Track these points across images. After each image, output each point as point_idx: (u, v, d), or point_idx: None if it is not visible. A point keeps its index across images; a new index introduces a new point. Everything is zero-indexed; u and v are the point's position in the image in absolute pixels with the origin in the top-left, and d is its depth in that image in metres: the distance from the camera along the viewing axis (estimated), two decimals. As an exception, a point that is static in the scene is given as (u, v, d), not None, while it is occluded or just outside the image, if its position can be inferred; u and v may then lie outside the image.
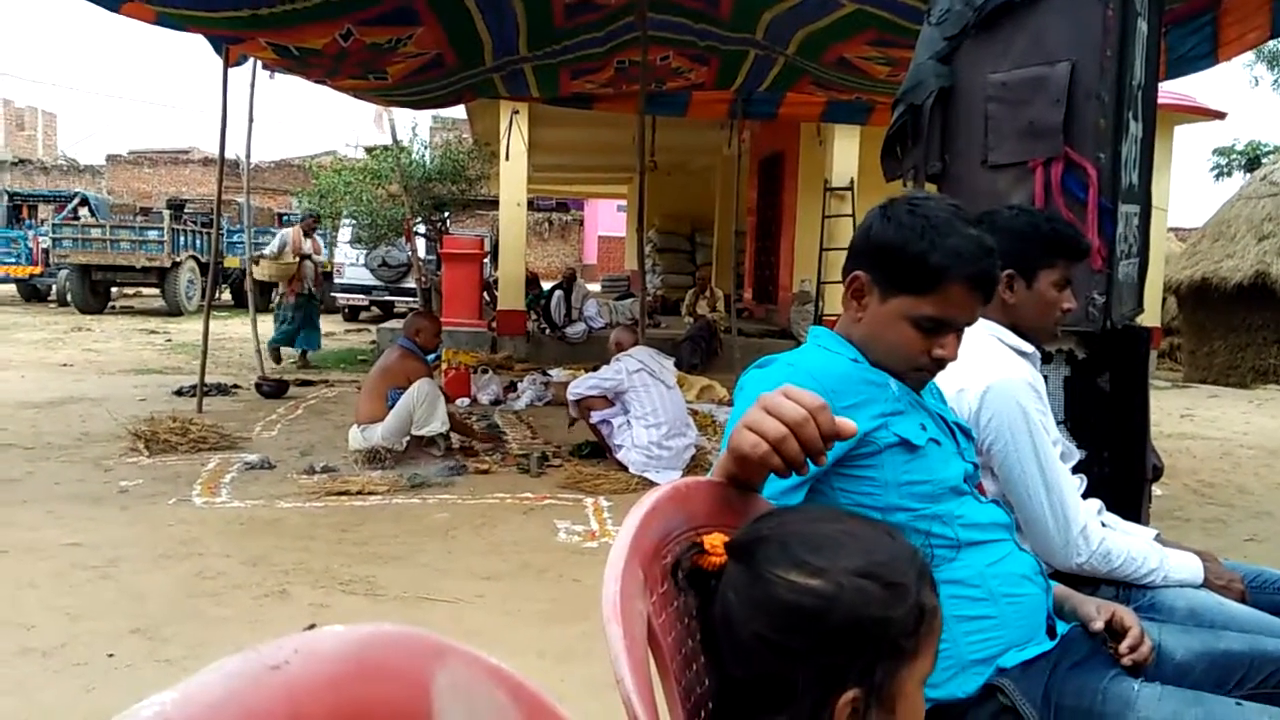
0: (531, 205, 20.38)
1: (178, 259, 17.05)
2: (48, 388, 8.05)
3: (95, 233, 16.78)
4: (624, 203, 25.84)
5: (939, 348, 1.40)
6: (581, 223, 34.67)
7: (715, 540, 0.95)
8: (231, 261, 17.92)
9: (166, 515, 4.42)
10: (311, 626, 1.15)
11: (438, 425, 5.62)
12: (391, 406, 5.58)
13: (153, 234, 16.85)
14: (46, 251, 17.66)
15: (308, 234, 10.45)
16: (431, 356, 7.29)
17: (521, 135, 10.99)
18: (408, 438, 5.61)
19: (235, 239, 17.84)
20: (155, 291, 17.85)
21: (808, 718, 0.87)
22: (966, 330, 1.87)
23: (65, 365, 9.75)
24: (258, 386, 8.07)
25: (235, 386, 8.33)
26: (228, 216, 17.80)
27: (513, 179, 11.50)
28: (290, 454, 5.76)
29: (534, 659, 2.91)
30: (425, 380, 5.65)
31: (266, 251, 10.34)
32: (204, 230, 17.81)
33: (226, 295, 19.83)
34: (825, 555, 0.89)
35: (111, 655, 2.90)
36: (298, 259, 10.18)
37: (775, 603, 0.88)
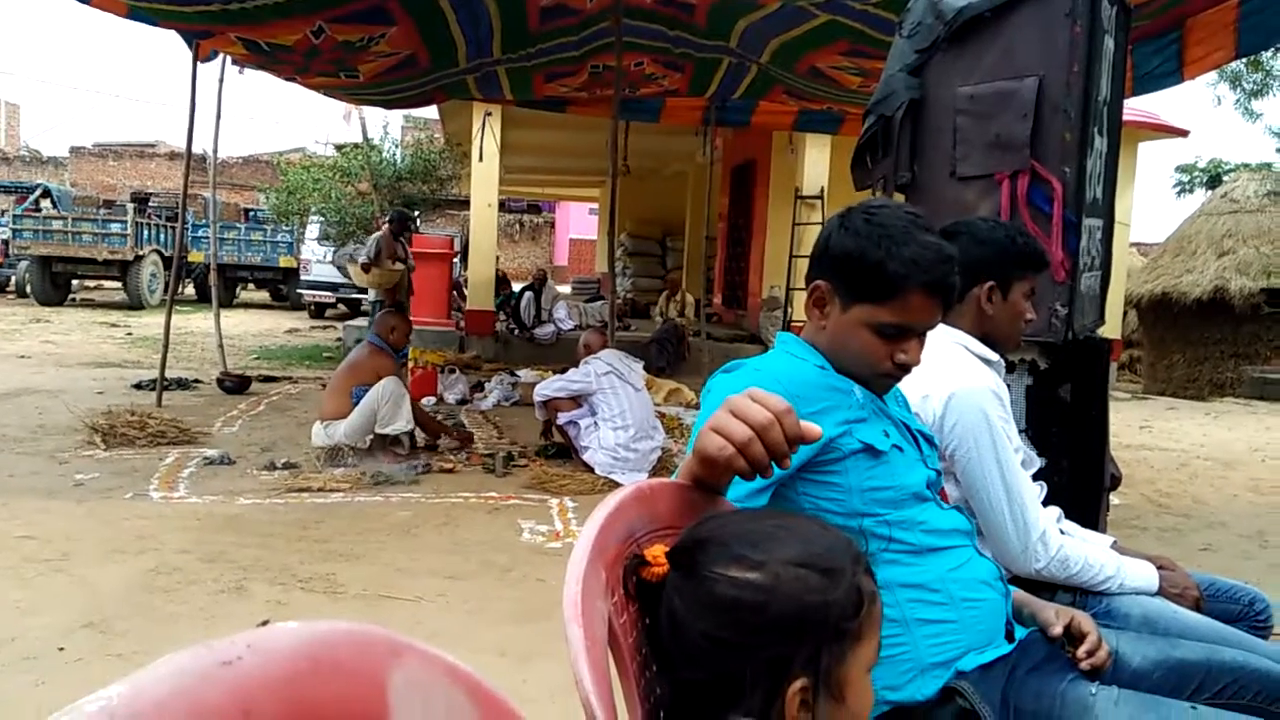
0: (503, 206, 20.32)
1: (140, 252, 16.84)
2: (4, 379, 7.90)
3: (57, 224, 16.52)
4: (596, 206, 25.83)
5: (901, 353, 1.41)
6: (553, 225, 34.61)
7: (656, 551, 0.96)
8: (195, 256, 17.70)
9: (122, 509, 4.35)
10: (265, 623, 1.13)
11: (402, 424, 5.57)
12: (357, 404, 5.53)
13: (115, 226, 16.63)
14: (6, 243, 17.37)
15: (397, 237, 9.53)
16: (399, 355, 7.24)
17: (494, 136, 10.96)
18: (371, 436, 5.56)
19: (200, 233, 17.64)
20: (117, 284, 17.59)
21: (759, 712, 0.88)
22: (932, 338, 1.90)
23: (23, 357, 9.57)
24: (219, 381, 7.97)
25: (196, 381, 8.23)
26: (193, 211, 17.58)
27: (484, 180, 11.46)
28: (251, 450, 5.69)
29: (495, 658, 2.89)
30: (391, 379, 5.59)
31: (363, 258, 9.34)
32: (168, 224, 17.59)
33: (190, 290, 19.59)
34: (762, 549, 0.91)
35: (62, 649, 2.84)
36: (393, 263, 9.36)
37: (717, 599, 0.90)
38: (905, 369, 1.43)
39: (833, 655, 0.89)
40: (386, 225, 9.71)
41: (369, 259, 9.18)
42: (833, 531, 0.98)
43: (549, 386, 5.84)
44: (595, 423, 5.61)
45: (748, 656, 0.89)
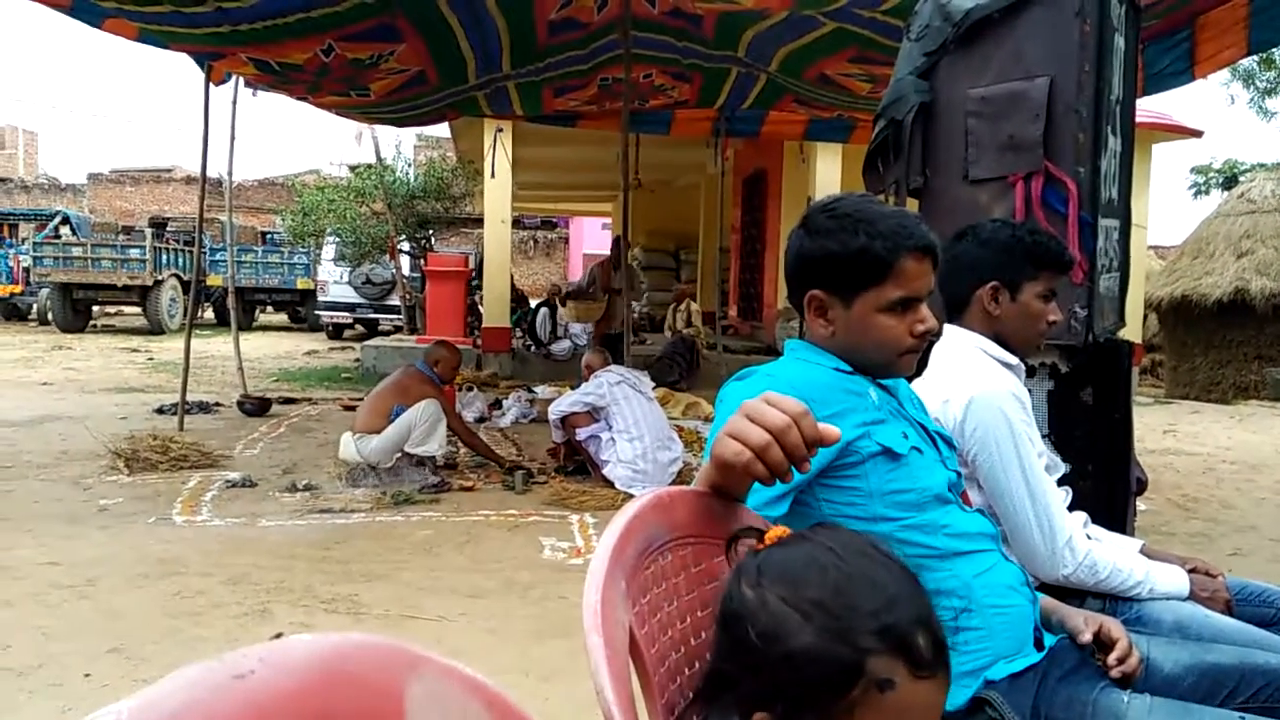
0: (516, 223, 20.41)
1: (160, 277, 16.99)
2: (27, 406, 7.96)
3: (76, 251, 16.72)
4: (609, 220, 25.87)
5: (918, 323, 1.42)
6: (567, 240, 34.68)
7: (775, 532, 0.95)
8: (213, 280, 17.84)
9: (146, 534, 4.37)
10: (278, 636, 1.12)
11: (433, 448, 5.58)
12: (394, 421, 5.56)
13: (134, 252, 16.81)
14: (27, 270, 17.59)
15: (616, 266, 9.00)
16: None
17: (506, 153, 10.99)
18: (398, 454, 5.57)
19: (218, 257, 17.80)
20: (137, 310, 17.75)
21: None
22: (949, 342, 1.88)
23: (45, 384, 9.66)
24: (240, 404, 8.01)
25: (217, 404, 8.27)
26: (210, 235, 17.76)
27: (497, 196, 11.50)
28: (272, 472, 5.70)
29: (518, 677, 2.88)
30: (432, 401, 5.61)
31: (572, 289, 9.23)
32: (186, 248, 17.76)
33: (209, 313, 19.75)
34: (773, 573, 0.88)
35: (88, 675, 2.85)
36: (605, 295, 9.08)
37: (724, 595, 0.91)
38: (926, 336, 1.44)
39: (796, 713, 0.83)
40: (609, 252, 9.47)
41: (583, 289, 8.97)
42: (884, 598, 0.84)
43: (564, 402, 5.84)
44: (613, 437, 5.60)
45: (717, 659, 0.91)
